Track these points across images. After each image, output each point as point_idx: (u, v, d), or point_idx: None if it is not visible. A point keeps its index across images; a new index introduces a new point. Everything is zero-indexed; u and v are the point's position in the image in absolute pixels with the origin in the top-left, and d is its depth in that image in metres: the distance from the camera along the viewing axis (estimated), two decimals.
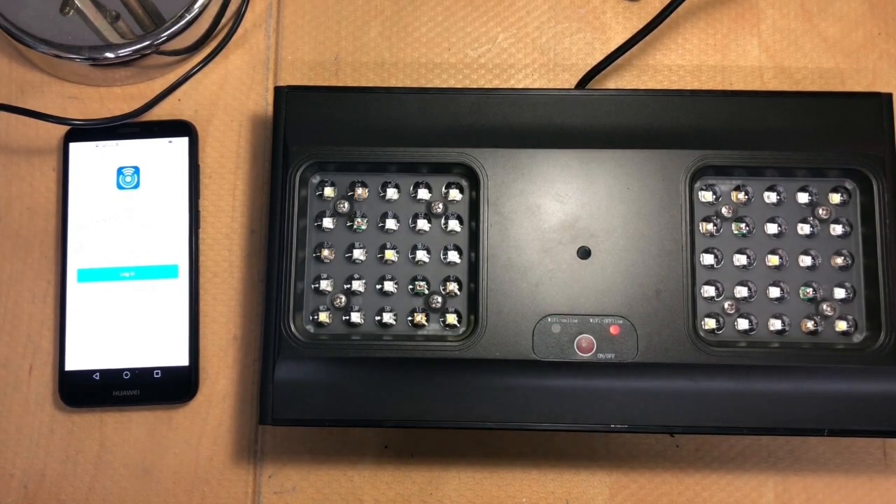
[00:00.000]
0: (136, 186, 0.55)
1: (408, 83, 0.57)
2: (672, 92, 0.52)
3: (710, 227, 0.51)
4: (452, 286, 0.50)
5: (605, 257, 0.49)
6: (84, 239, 0.54)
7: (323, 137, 0.51)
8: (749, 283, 0.50)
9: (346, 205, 0.51)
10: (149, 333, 0.53)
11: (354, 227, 0.51)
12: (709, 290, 0.50)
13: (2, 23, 0.54)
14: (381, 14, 0.58)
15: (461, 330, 0.50)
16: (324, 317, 0.50)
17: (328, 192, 0.51)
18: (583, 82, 0.55)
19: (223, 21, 0.57)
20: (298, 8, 0.58)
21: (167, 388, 0.53)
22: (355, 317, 0.50)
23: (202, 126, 0.56)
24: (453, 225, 0.51)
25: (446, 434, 0.53)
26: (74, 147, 0.55)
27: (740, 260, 0.50)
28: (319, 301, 0.50)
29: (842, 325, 0.50)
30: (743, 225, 0.51)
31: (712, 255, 0.50)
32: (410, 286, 0.50)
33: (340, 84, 0.57)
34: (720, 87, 0.56)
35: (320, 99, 0.51)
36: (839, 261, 0.50)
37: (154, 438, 0.54)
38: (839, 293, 0.50)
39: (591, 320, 0.48)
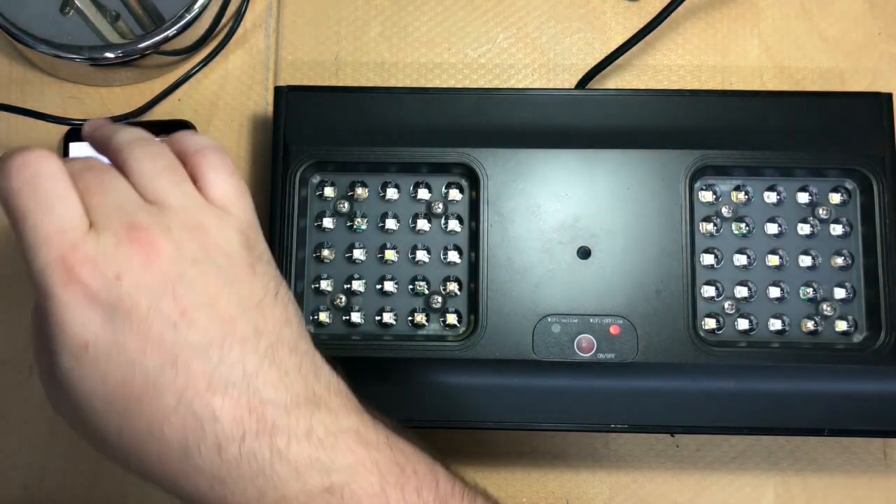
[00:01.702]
0: None
1: (408, 83, 0.57)
2: (672, 92, 0.52)
3: (710, 227, 0.51)
4: (452, 286, 0.50)
5: (605, 257, 0.49)
6: None
7: (323, 137, 0.51)
8: (749, 283, 0.50)
9: (346, 205, 0.51)
10: None
11: (354, 227, 0.51)
12: (709, 290, 0.50)
13: (2, 23, 0.54)
14: (381, 14, 0.58)
15: (461, 330, 0.50)
16: (324, 317, 0.50)
17: (328, 192, 0.51)
18: (583, 82, 0.55)
19: (223, 21, 0.57)
20: (298, 8, 0.58)
21: None
22: (355, 317, 0.50)
23: (202, 126, 0.56)
24: (453, 225, 0.51)
25: (446, 434, 0.53)
26: (74, 147, 0.55)
27: (740, 260, 0.50)
28: (319, 301, 0.50)
29: (842, 325, 0.50)
30: (743, 225, 0.51)
31: (712, 255, 0.50)
32: (410, 286, 0.50)
33: (340, 84, 0.57)
34: (720, 87, 0.56)
35: (320, 99, 0.51)
36: (839, 261, 0.50)
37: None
38: (839, 293, 0.50)
39: (591, 320, 0.48)
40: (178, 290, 0.34)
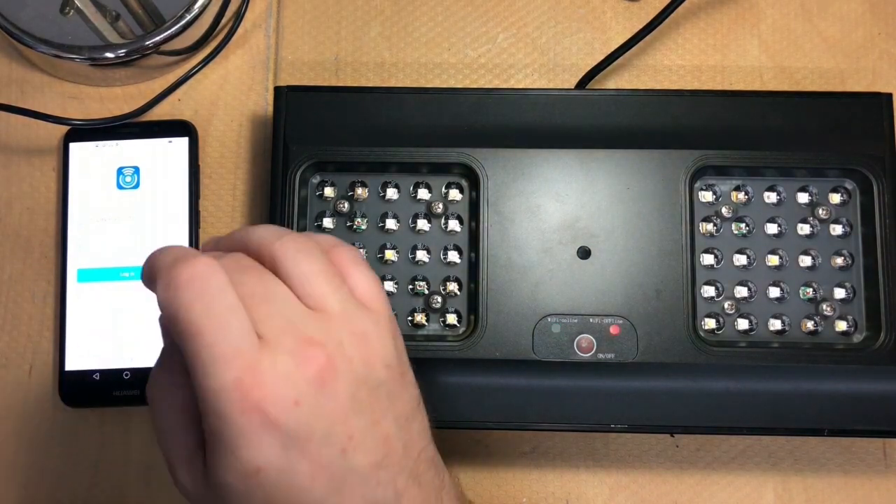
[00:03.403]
0: (136, 186, 0.55)
1: (408, 83, 0.57)
2: (672, 92, 0.52)
3: (710, 227, 0.51)
4: (452, 286, 0.50)
5: (605, 257, 0.49)
6: (84, 239, 0.54)
7: (323, 137, 0.51)
8: (749, 283, 0.50)
9: (346, 205, 0.51)
10: (149, 333, 0.53)
11: (354, 227, 0.51)
12: (709, 290, 0.50)
13: (2, 23, 0.54)
14: (381, 14, 0.58)
15: (461, 330, 0.50)
16: None
17: (328, 192, 0.51)
18: (583, 82, 0.55)
19: (223, 21, 0.57)
20: (298, 8, 0.58)
21: None
22: None
23: (202, 126, 0.56)
24: (453, 225, 0.51)
25: (446, 434, 0.53)
26: (74, 147, 0.55)
27: (740, 260, 0.50)
28: None
29: (842, 325, 0.50)
30: (743, 225, 0.51)
31: (712, 255, 0.50)
32: (410, 286, 0.50)
33: (340, 84, 0.57)
34: (720, 87, 0.56)
35: (320, 99, 0.51)
36: (839, 261, 0.50)
37: (154, 438, 0.53)
38: (839, 293, 0.50)
39: (591, 320, 0.48)
40: (349, 415, 0.33)
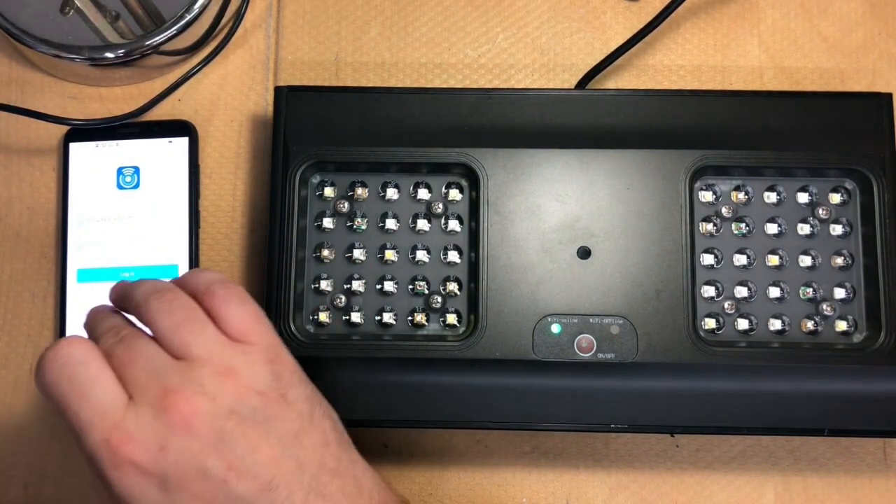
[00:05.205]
0: (136, 186, 0.55)
1: (408, 83, 0.57)
2: (672, 92, 0.52)
3: (710, 227, 0.51)
4: (452, 286, 0.50)
5: (605, 257, 0.49)
6: (84, 239, 0.54)
7: (323, 137, 0.51)
8: (749, 283, 0.50)
9: (346, 205, 0.51)
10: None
11: (354, 227, 0.51)
12: (709, 290, 0.50)
13: (2, 23, 0.54)
14: (381, 14, 0.58)
15: (461, 330, 0.50)
16: (324, 317, 0.50)
17: (328, 192, 0.51)
18: (583, 82, 0.55)
19: (223, 21, 0.57)
20: (298, 8, 0.58)
21: None
22: (355, 317, 0.50)
23: (202, 126, 0.56)
24: (453, 225, 0.51)
25: (446, 434, 0.53)
26: (74, 147, 0.55)
27: (740, 260, 0.50)
28: (319, 301, 0.50)
29: (842, 325, 0.50)
30: (743, 225, 0.51)
31: (712, 255, 0.50)
32: (410, 286, 0.50)
33: (340, 84, 0.57)
34: (720, 87, 0.56)
35: (320, 99, 0.51)
36: (839, 261, 0.50)
37: None
38: (839, 293, 0.50)
39: (591, 320, 0.48)
40: (221, 448, 0.35)
